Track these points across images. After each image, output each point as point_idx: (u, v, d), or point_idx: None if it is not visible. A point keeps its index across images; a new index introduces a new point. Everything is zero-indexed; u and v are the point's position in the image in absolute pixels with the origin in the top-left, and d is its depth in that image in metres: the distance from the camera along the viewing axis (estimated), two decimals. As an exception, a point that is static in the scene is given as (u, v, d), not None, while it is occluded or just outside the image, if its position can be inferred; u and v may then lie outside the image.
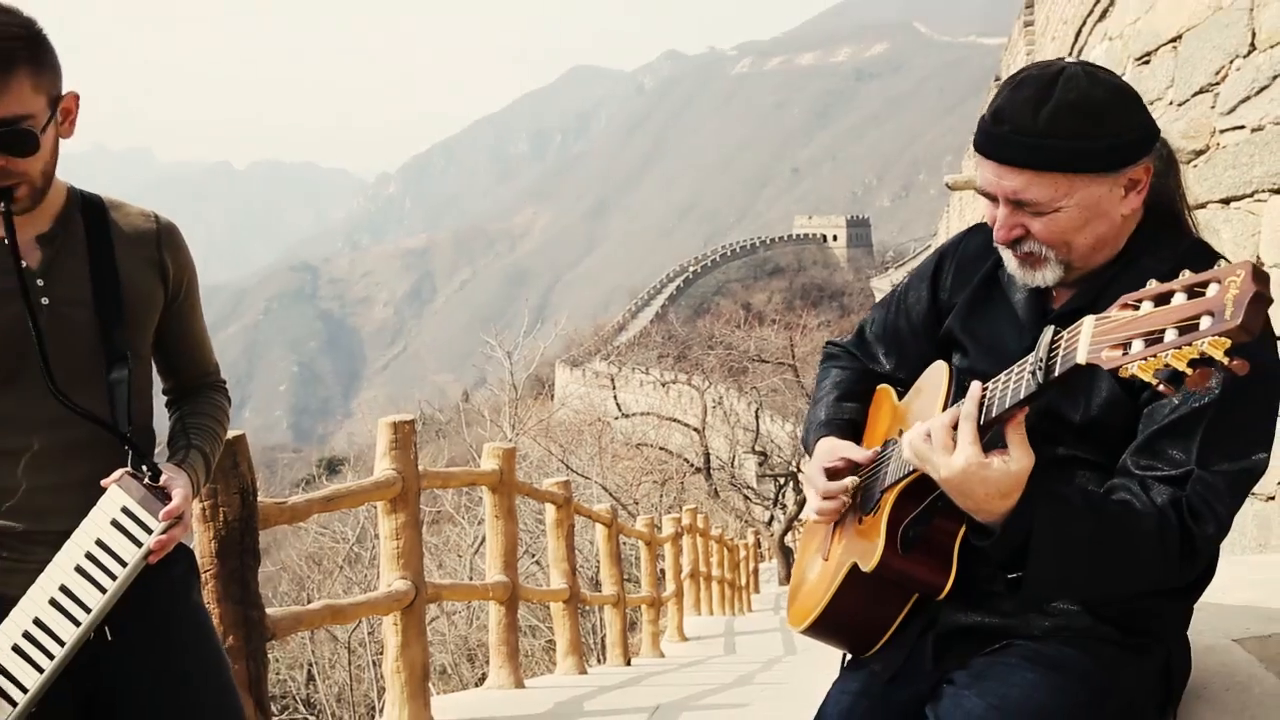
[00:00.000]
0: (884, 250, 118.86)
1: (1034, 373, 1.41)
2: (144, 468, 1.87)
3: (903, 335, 1.98)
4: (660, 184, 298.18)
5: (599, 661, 9.32)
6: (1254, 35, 6.03)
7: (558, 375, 61.94)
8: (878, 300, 2.14)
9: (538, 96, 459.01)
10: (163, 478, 1.88)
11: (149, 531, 1.82)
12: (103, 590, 1.81)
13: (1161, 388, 1.23)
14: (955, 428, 1.52)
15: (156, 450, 2.00)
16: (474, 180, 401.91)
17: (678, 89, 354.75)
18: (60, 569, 1.82)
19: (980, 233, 1.90)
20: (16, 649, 1.80)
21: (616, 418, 32.56)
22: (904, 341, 1.98)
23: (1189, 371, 1.20)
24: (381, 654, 11.00)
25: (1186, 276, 1.25)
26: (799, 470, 28.26)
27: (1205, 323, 1.19)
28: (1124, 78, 1.73)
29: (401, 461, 4.52)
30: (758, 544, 22.19)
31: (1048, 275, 1.69)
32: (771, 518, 26.92)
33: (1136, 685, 1.67)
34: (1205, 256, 1.66)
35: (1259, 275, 1.19)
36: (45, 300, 1.85)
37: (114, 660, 1.90)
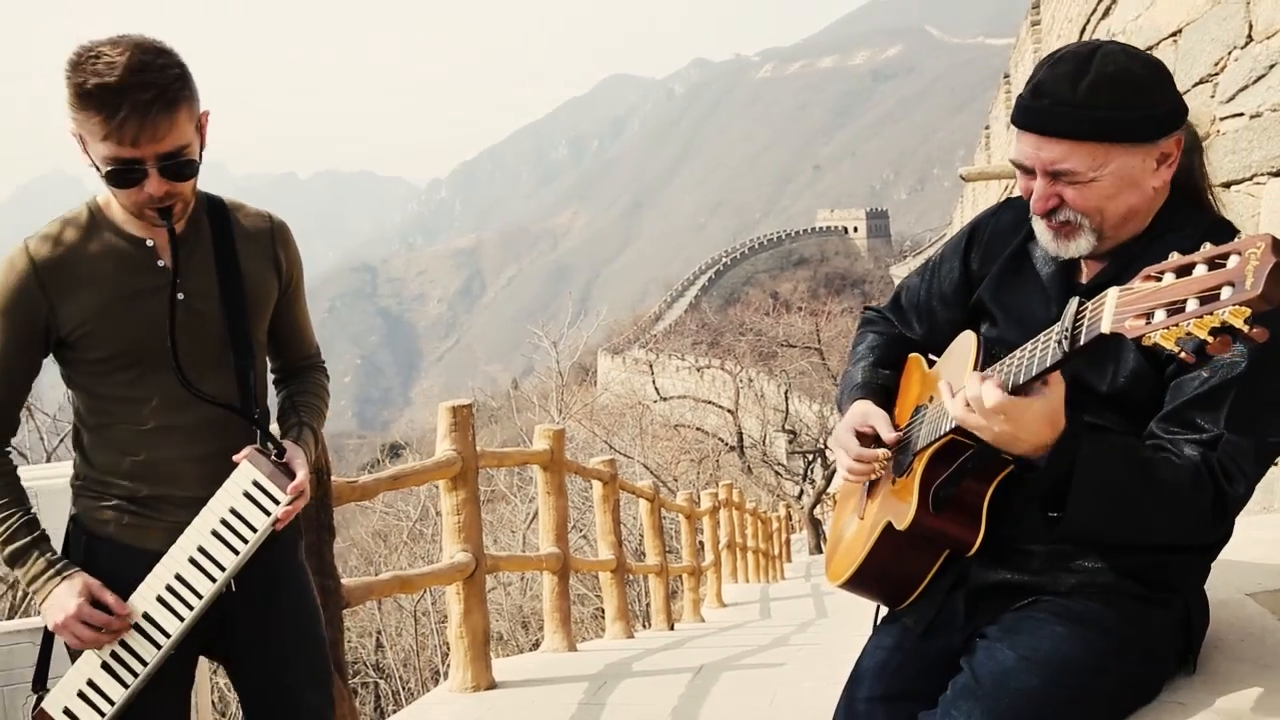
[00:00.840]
0: (901, 240, 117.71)
1: (1060, 341, 1.39)
2: (270, 445, 2.00)
3: (934, 304, 1.96)
4: (691, 183, 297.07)
5: (644, 627, 9.33)
6: (1251, 27, 5.91)
7: (599, 363, 62.00)
8: (897, 284, 2.12)
9: (575, 104, 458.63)
10: (286, 455, 2.00)
11: (276, 503, 1.95)
12: (235, 552, 1.94)
13: (1183, 356, 1.21)
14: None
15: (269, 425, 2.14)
16: (518, 184, 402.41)
17: (706, 93, 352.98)
18: (198, 532, 1.94)
19: (1011, 208, 1.87)
20: (160, 599, 1.93)
21: (655, 401, 32.54)
22: (935, 310, 1.96)
23: (1210, 340, 1.17)
24: (444, 622, 11.07)
25: (1207, 249, 1.23)
26: (826, 447, 28.14)
27: (1226, 293, 1.17)
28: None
29: (460, 442, 4.55)
30: (789, 516, 22.12)
31: (1081, 245, 1.65)
32: (801, 492, 26.80)
33: (1158, 636, 1.65)
34: (1228, 232, 1.63)
35: (1279, 246, 1.17)
36: (180, 296, 1.95)
37: (231, 608, 2.03)
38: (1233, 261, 1.19)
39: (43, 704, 1.95)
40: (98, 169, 1.84)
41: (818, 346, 29.59)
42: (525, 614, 13.18)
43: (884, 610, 1.91)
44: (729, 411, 27.82)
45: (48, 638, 2.01)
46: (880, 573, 1.82)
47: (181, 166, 1.85)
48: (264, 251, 2.06)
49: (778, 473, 28.63)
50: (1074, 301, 1.39)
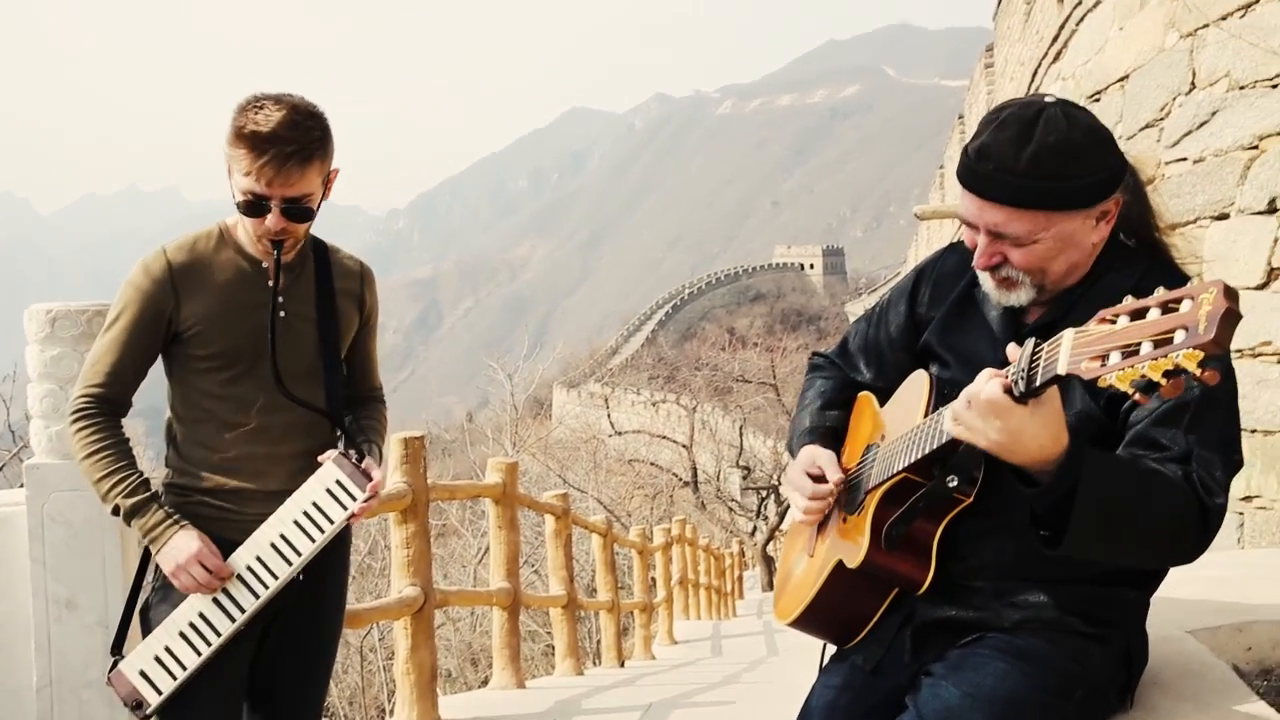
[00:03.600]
0: (857, 278, 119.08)
1: (1016, 382, 1.41)
2: (352, 451, 2.26)
3: (882, 347, 1.99)
4: (650, 217, 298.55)
5: (595, 664, 9.26)
6: (1194, 75, 6.09)
7: (555, 396, 61.78)
8: (852, 322, 2.15)
9: (536, 137, 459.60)
10: (365, 461, 2.26)
11: (354, 499, 2.20)
12: (312, 540, 2.19)
13: (1137, 396, 1.24)
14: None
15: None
16: (477, 215, 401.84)
17: (666, 129, 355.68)
18: (281, 521, 2.20)
19: (955, 252, 1.91)
20: (240, 578, 2.18)
21: (610, 435, 32.45)
22: (883, 353, 1.99)
23: (1163, 382, 1.21)
24: (391, 658, 10.89)
25: (1161, 294, 1.26)
26: (779, 483, 28.19)
27: (1180, 336, 1.20)
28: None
29: (412, 475, 4.51)
30: (742, 553, 22.11)
31: (1022, 296, 1.70)
32: (755, 528, 26.80)
33: (1100, 672, 1.68)
34: (1168, 272, 1.67)
35: (1230, 293, 1.20)
36: (283, 314, 2.26)
37: (294, 595, 2.27)
38: (1185, 306, 1.22)
39: (119, 667, 2.19)
40: (235, 196, 2.17)
41: (773, 382, 29.72)
42: (474, 650, 13.02)
43: (831, 649, 1.92)
44: (684, 446, 27.82)
45: (127, 610, 2.29)
46: (829, 611, 1.83)
47: (301, 211, 2.18)
48: (352, 289, 2.40)
49: (731, 509, 28.63)
50: (1030, 342, 1.41)
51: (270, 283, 2.27)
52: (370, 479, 2.24)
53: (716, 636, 11.49)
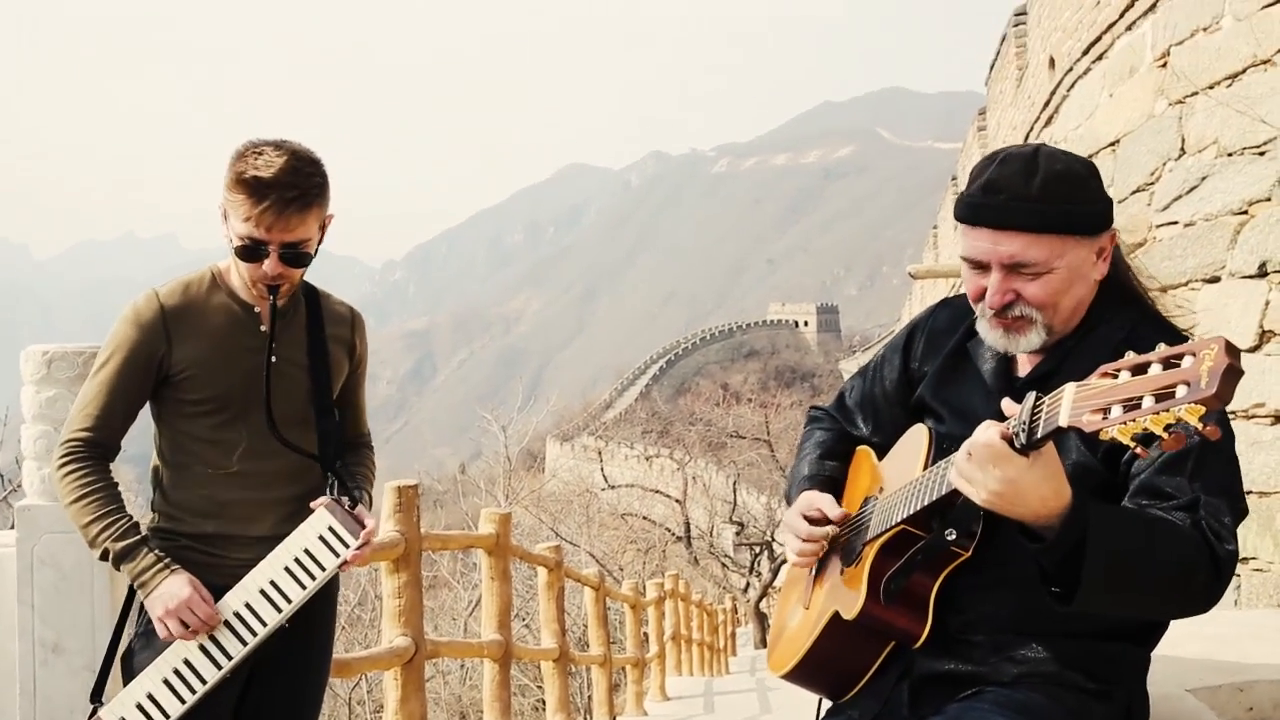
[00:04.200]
0: (851, 335, 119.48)
1: (1017, 433, 1.41)
2: (345, 498, 2.23)
3: (878, 403, 1.99)
4: (645, 273, 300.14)
5: (586, 719, 9.13)
6: (1184, 140, 6.17)
7: (548, 450, 61.59)
8: (846, 379, 2.16)
9: (533, 191, 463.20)
10: (358, 508, 2.23)
11: (346, 547, 2.17)
12: (303, 587, 2.16)
13: (1138, 450, 1.25)
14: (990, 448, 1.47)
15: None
16: (473, 267, 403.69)
17: (662, 186, 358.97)
18: (272, 567, 2.17)
19: (948, 307, 1.92)
20: (228, 624, 2.15)
21: (603, 489, 32.33)
22: (879, 408, 1.99)
23: (1164, 436, 1.21)
24: (379, 710, 10.71)
25: (1163, 349, 1.27)
26: (773, 540, 28.04)
27: (1181, 391, 1.21)
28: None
29: (405, 523, 4.47)
30: (735, 609, 21.91)
31: (1031, 340, 1.69)
32: (748, 585, 26.59)
33: (1100, 728, 1.65)
34: (1159, 325, 1.68)
35: (1231, 349, 1.21)
36: (274, 359, 2.25)
37: (279, 640, 2.23)
38: (1187, 362, 1.23)
39: (100, 714, 2.14)
40: (231, 241, 2.17)
41: (767, 438, 29.69)
42: (464, 705, 12.84)
43: (826, 704, 1.90)
44: (677, 501, 27.70)
45: (108, 658, 2.25)
46: (825, 663, 1.81)
47: (299, 256, 2.18)
48: (342, 335, 2.38)
49: (724, 565, 28.43)
50: (1030, 396, 1.42)
51: (264, 328, 2.26)
52: (364, 526, 2.21)
53: (709, 693, 11.35)
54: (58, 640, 2.86)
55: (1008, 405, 1.46)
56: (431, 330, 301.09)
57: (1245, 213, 5.49)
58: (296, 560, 2.16)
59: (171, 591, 2.12)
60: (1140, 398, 1.24)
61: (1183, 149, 6.18)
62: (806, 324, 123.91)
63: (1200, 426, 1.20)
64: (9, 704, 2.89)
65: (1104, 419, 1.26)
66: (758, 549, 28.21)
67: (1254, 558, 5.03)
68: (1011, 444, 1.41)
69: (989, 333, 1.72)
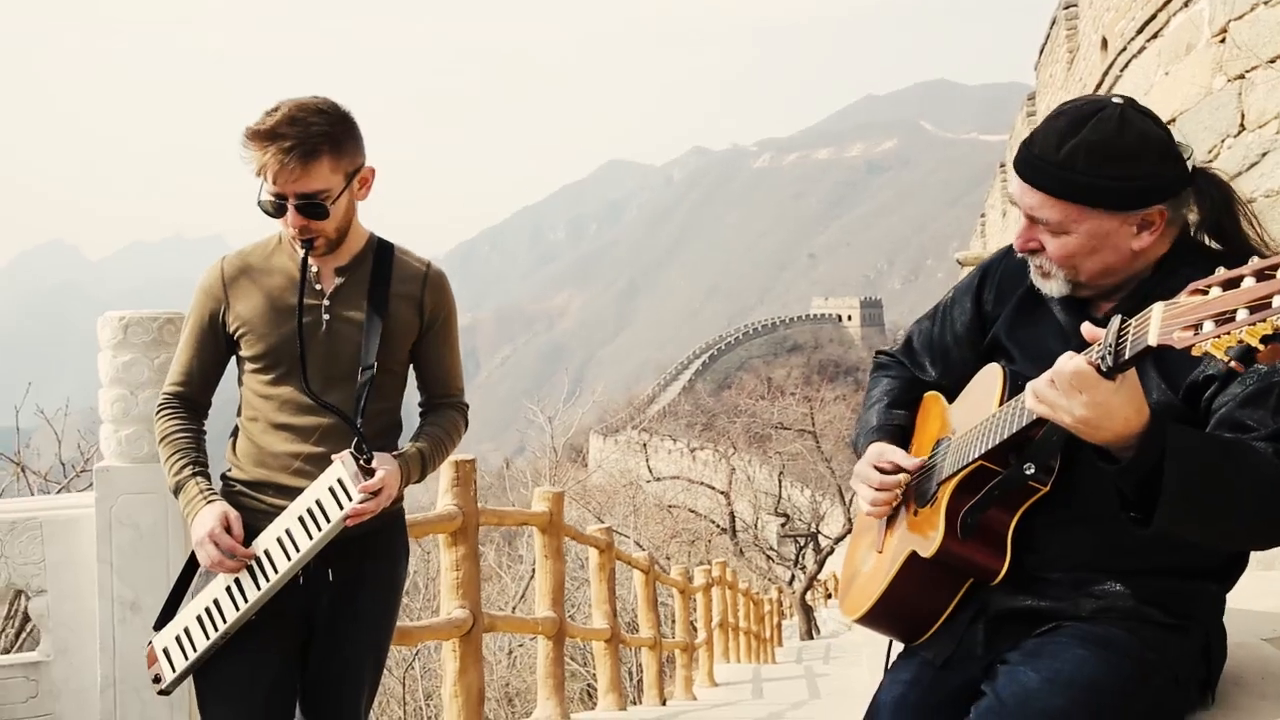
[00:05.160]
0: (895, 329, 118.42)
1: (1104, 357, 1.40)
2: (363, 450, 2.21)
3: (947, 345, 1.99)
4: (687, 268, 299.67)
5: (634, 702, 9.16)
6: (1243, 116, 6.07)
7: (591, 444, 61.71)
8: (914, 322, 2.15)
9: (575, 188, 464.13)
10: (375, 461, 2.21)
11: (350, 500, 2.16)
12: (310, 537, 2.17)
13: (1233, 364, 1.22)
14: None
15: (401, 437, 2.40)
16: (515, 264, 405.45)
17: (703, 181, 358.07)
18: (289, 516, 2.21)
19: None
20: (250, 569, 2.19)
21: (648, 481, 32.35)
22: (948, 350, 1.99)
23: (1261, 347, 1.19)
24: (430, 698, 10.80)
25: (1255, 262, 1.25)
26: (818, 531, 27.92)
27: (1278, 301, 1.18)
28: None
29: (462, 498, 4.53)
30: (780, 600, 21.84)
31: (1056, 286, 1.73)
32: (793, 577, 26.49)
33: (1179, 663, 1.65)
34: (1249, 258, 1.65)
35: None
36: (327, 317, 2.27)
37: (329, 595, 2.29)
38: None
39: (152, 642, 2.27)
40: (260, 198, 2.19)
41: (811, 430, 29.53)
42: (511, 689, 12.92)
43: (897, 647, 1.90)
44: (722, 493, 27.65)
45: (177, 587, 2.32)
46: (901, 604, 1.81)
47: (314, 207, 2.16)
48: (412, 293, 2.35)
49: (769, 557, 28.34)
50: (1116, 319, 1.40)
51: (319, 286, 2.29)
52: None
53: (757, 680, 11.34)
54: (135, 598, 2.93)
55: (1089, 330, 1.45)
56: (475, 327, 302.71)
57: (1308, 187, 5.39)
58: (309, 510, 2.19)
59: (201, 521, 2.20)
60: (1234, 310, 1.22)
61: (1242, 125, 6.08)
62: (850, 318, 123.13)
63: None
64: (90, 660, 2.96)
65: (1195, 334, 1.24)
66: (802, 541, 28.10)
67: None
68: (1098, 369, 1.40)
69: (1031, 270, 1.76)
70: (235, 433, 2.37)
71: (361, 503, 2.15)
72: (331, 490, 2.18)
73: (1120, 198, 1.62)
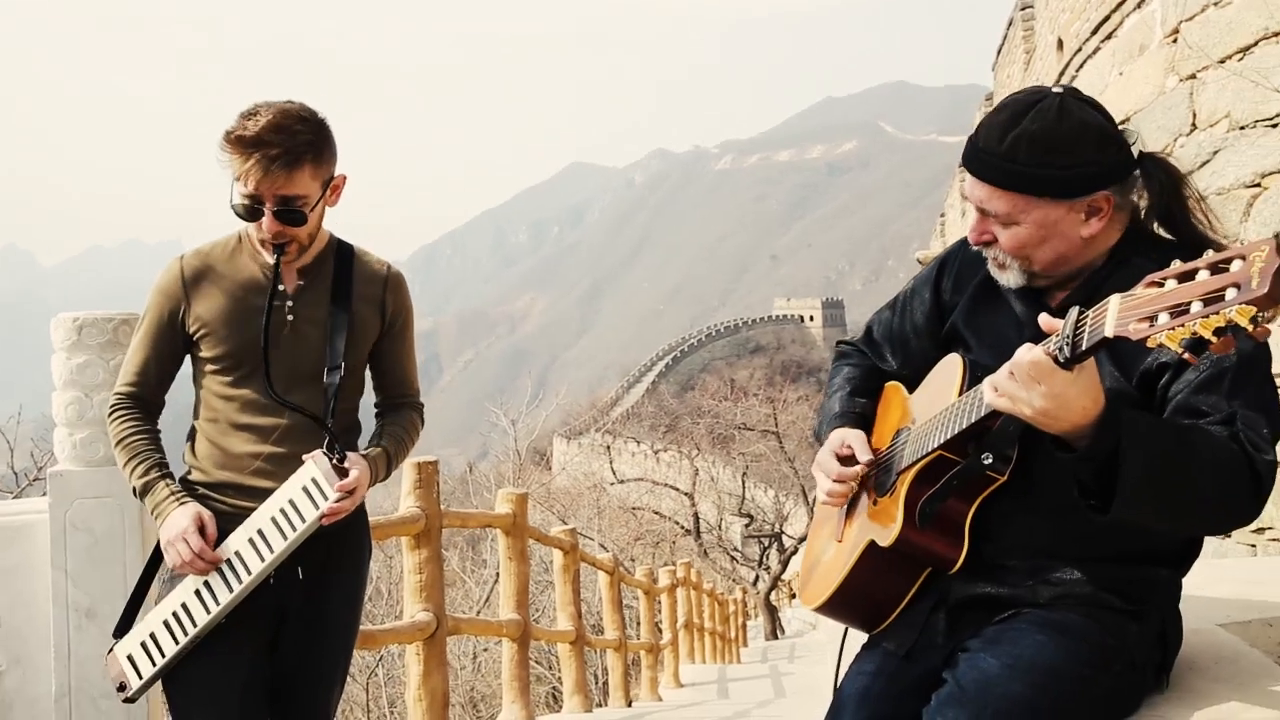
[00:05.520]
0: (856, 330, 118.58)
1: (1061, 348, 1.42)
2: (335, 450, 2.23)
3: (907, 335, 2.01)
4: (649, 270, 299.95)
5: (599, 704, 9.15)
6: (1195, 115, 6.18)
7: (555, 448, 61.55)
8: (875, 312, 2.17)
9: (536, 191, 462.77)
10: (347, 460, 2.23)
11: (325, 499, 2.17)
12: (284, 538, 2.17)
13: (1186, 356, 1.25)
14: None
15: (360, 438, 2.42)
16: (477, 268, 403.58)
17: (665, 183, 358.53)
18: (261, 516, 2.20)
19: None
20: (220, 571, 2.18)
21: (612, 483, 32.34)
22: (908, 340, 2.01)
23: (1214, 340, 1.22)
24: (393, 706, 10.73)
25: (1210, 255, 1.28)
26: (782, 532, 28.05)
27: (1231, 294, 1.21)
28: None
29: (425, 500, 4.50)
30: (745, 601, 21.92)
31: (1011, 278, 1.76)
32: (757, 577, 26.59)
33: (1136, 648, 1.68)
34: (1203, 248, 1.68)
35: None
36: (290, 317, 2.28)
37: (299, 593, 2.29)
38: (1236, 266, 1.24)
39: (114, 649, 2.24)
40: (234, 201, 2.20)
41: (775, 430, 29.66)
42: (476, 693, 12.87)
43: (852, 637, 1.92)
44: (686, 495, 27.70)
45: (136, 593, 2.31)
46: (860, 593, 1.83)
47: (293, 214, 2.19)
48: (373, 294, 2.37)
49: (733, 557, 28.44)
50: (1074, 311, 1.43)
51: (282, 287, 2.29)
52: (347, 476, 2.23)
53: (723, 680, 11.37)
54: (91, 605, 2.88)
55: (1045, 321, 1.47)
56: (437, 331, 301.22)
57: (1258, 185, 5.50)
58: (281, 510, 2.18)
59: (174, 522, 2.18)
60: (1188, 303, 1.24)
61: (1194, 124, 6.19)
62: (812, 319, 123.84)
63: (1251, 328, 1.20)
64: (44, 669, 2.91)
65: (1150, 326, 1.27)
66: (766, 541, 28.22)
67: (1270, 527, 5.03)
68: (1056, 360, 1.42)
69: (988, 261, 1.79)
70: (192, 434, 2.36)
71: (338, 501, 2.17)
72: (306, 490, 2.18)
73: (1064, 185, 1.65)
